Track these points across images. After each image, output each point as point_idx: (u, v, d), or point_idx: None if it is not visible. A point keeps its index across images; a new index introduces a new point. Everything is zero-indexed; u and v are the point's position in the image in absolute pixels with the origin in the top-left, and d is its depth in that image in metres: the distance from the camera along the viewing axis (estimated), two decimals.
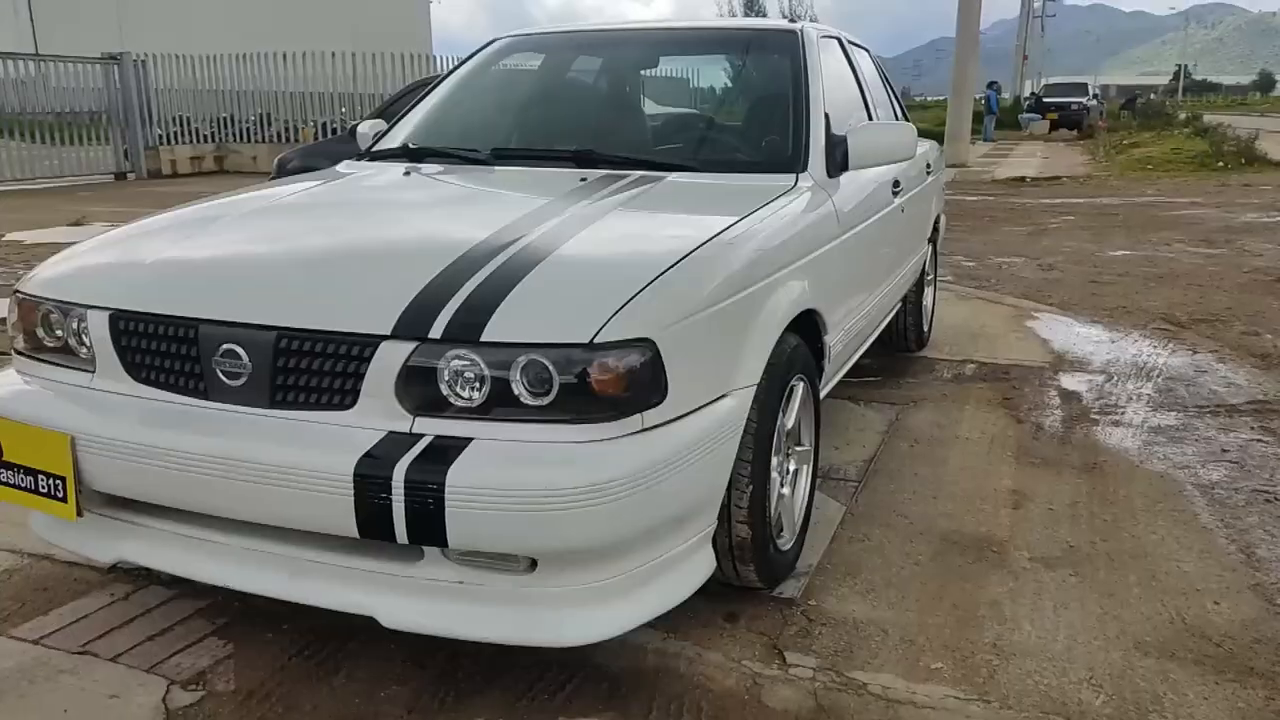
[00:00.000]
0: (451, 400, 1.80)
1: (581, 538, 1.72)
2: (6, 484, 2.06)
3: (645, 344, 1.78)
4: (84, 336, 2.11)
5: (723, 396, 2.01)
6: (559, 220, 2.23)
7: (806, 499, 2.58)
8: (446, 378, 1.79)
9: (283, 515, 1.82)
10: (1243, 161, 15.25)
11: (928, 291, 4.73)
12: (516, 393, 1.77)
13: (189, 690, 2.03)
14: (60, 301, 2.13)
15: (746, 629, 2.25)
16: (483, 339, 1.76)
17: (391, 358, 1.80)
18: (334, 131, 17.05)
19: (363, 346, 1.82)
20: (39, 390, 2.12)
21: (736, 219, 2.28)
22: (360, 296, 1.93)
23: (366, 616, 1.89)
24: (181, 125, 18.30)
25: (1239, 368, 4.43)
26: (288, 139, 18.26)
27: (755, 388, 2.10)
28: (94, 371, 2.08)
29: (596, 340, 1.74)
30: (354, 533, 1.76)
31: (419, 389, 1.80)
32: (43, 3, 27.36)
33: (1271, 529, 2.76)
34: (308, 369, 1.86)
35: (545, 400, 1.76)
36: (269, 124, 18.89)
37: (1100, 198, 12.34)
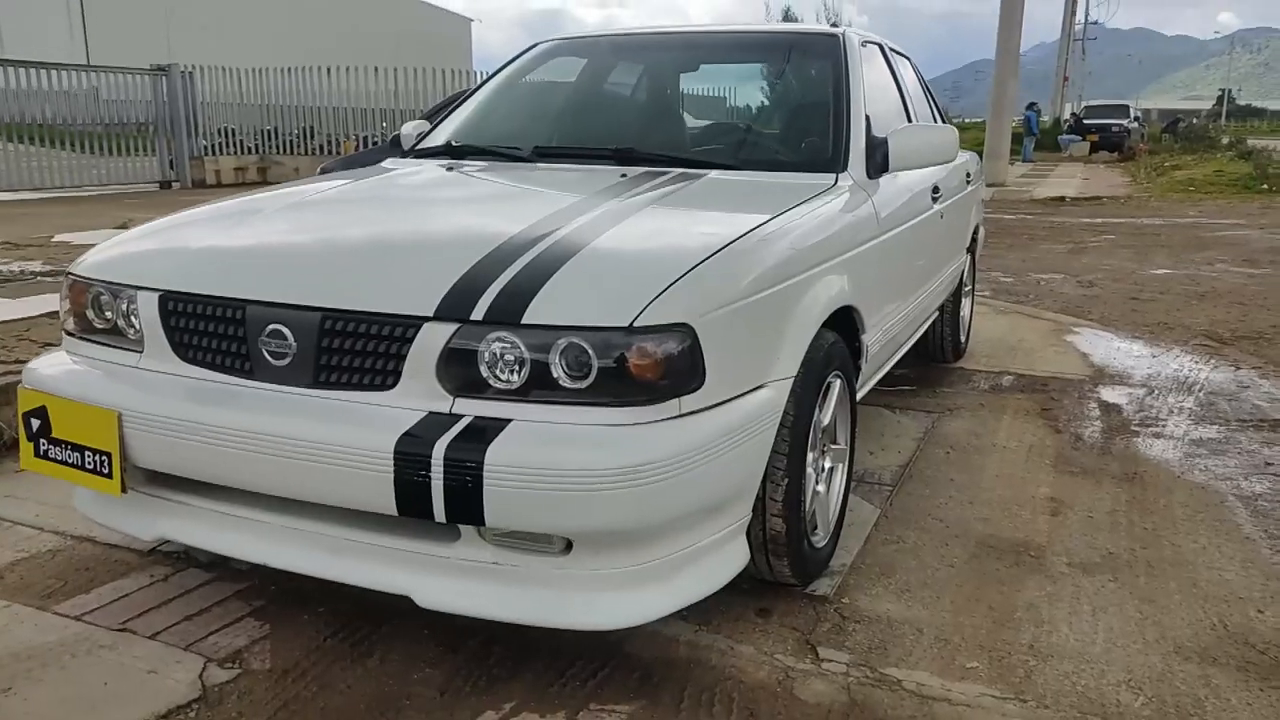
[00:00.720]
0: (491, 382, 1.82)
1: (616, 520, 1.73)
2: (54, 460, 2.11)
3: (684, 329, 1.79)
4: (133, 317, 2.15)
5: (760, 387, 2.01)
6: (598, 213, 2.25)
7: (841, 497, 2.56)
8: (487, 359, 1.81)
9: (323, 492, 1.84)
10: None
11: (965, 302, 4.70)
12: (555, 375, 1.78)
13: (225, 668, 2.06)
14: (111, 283, 2.18)
15: (779, 624, 2.24)
16: (524, 321, 1.78)
17: (433, 339, 1.83)
18: (375, 144, 17.29)
19: (405, 328, 1.84)
20: (87, 369, 2.17)
21: (775, 214, 2.28)
22: (404, 279, 1.95)
23: (402, 596, 1.91)
24: (226, 136, 18.61)
25: None
26: (330, 151, 18.52)
27: (792, 380, 2.10)
28: (142, 351, 2.13)
29: (636, 324, 1.75)
30: (393, 510, 1.78)
31: (459, 370, 1.82)
32: (95, 15, 28.02)
33: None
34: (351, 349, 1.89)
35: (583, 384, 1.78)
36: (312, 136, 19.17)
37: (1141, 218, 12.20)
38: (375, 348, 1.87)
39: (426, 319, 1.83)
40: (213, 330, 2.02)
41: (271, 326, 1.94)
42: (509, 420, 1.78)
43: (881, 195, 2.86)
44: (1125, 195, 15.48)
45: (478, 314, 1.81)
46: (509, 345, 1.79)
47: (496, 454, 1.71)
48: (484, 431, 1.76)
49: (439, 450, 1.73)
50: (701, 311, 1.82)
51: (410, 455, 1.74)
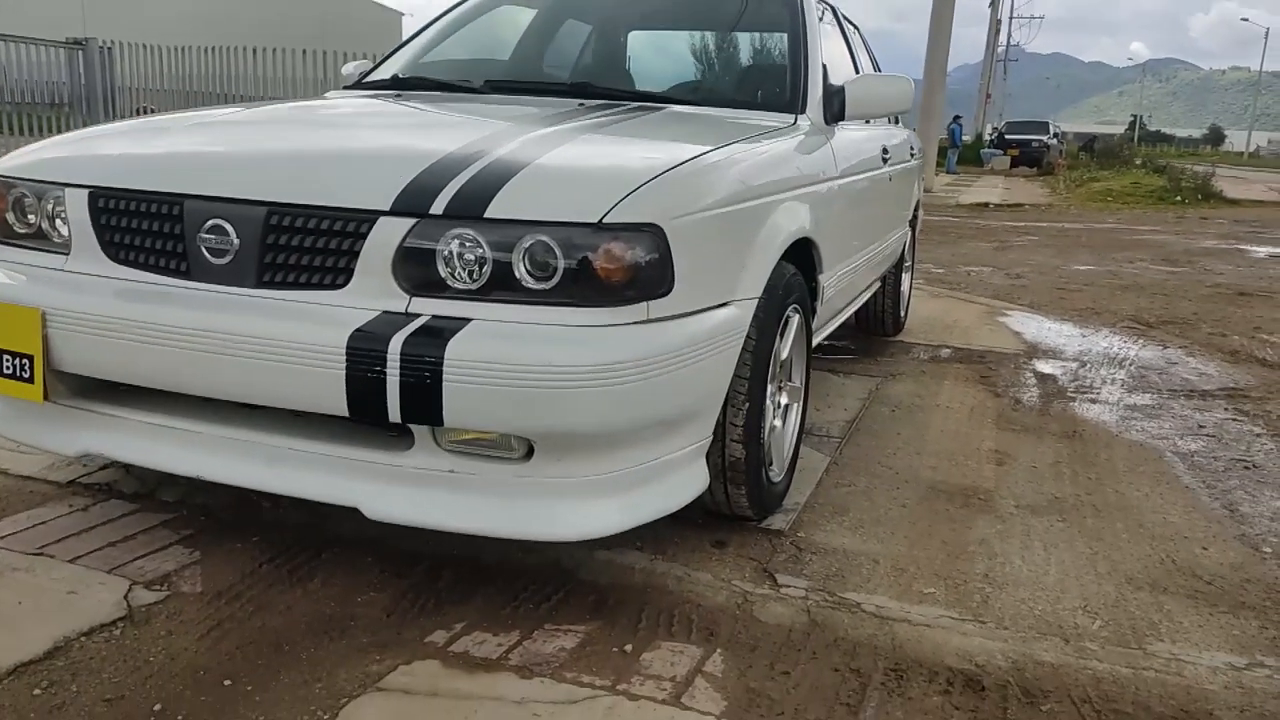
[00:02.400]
0: (449, 281, 1.73)
1: (582, 421, 1.66)
2: None
3: (654, 230, 1.73)
4: (59, 219, 2.01)
5: (725, 305, 1.96)
6: (562, 129, 2.18)
7: (795, 437, 2.53)
8: (446, 256, 1.72)
9: (268, 393, 1.74)
10: (1199, 197, 15.64)
11: (905, 277, 4.73)
12: (518, 275, 1.71)
13: (152, 590, 1.93)
14: (35, 181, 2.03)
15: (736, 555, 2.19)
16: (487, 215, 1.70)
17: (389, 235, 1.73)
18: None
19: (359, 223, 1.75)
20: (6, 271, 2.02)
21: (739, 140, 2.24)
22: (356, 175, 1.86)
23: (349, 509, 1.81)
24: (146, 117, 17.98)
25: (1209, 361, 4.48)
26: None
27: (756, 303, 2.06)
28: (69, 254, 1.99)
29: (605, 221, 1.68)
30: (343, 411, 1.69)
31: (416, 268, 1.74)
32: None
33: (1252, 491, 2.77)
34: (298, 246, 1.79)
35: (548, 284, 1.70)
36: None
37: (1062, 223, 12.55)
38: (325, 244, 1.77)
39: (382, 213, 1.74)
40: (146, 228, 1.90)
41: (212, 222, 1.83)
42: (469, 319, 1.70)
43: (838, 141, 2.84)
44: (1046, 203, 15.92)
45: (437, 208, 1.72)
46: (470, 242, 1.71)
47: (458, 349, 1.62)
48: (443, 328, 1.67)
49: (395, 345, 1.64)
50: (672, 215, 1.77)
51: (364, 351, 1.65)
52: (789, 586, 2.05)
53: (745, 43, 3.22)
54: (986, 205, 14.95)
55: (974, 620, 1.95)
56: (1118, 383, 4.00)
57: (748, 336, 2.05)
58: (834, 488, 2.63)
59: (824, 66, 2.96)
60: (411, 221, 1.73)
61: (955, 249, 9.05)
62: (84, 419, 2.00)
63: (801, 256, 2.43)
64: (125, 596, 1.89)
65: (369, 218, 1.75)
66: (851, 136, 3.07)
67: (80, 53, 17.08)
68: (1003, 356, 4.40)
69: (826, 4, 3.61)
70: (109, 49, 17.65)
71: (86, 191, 1.95)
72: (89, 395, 2.01)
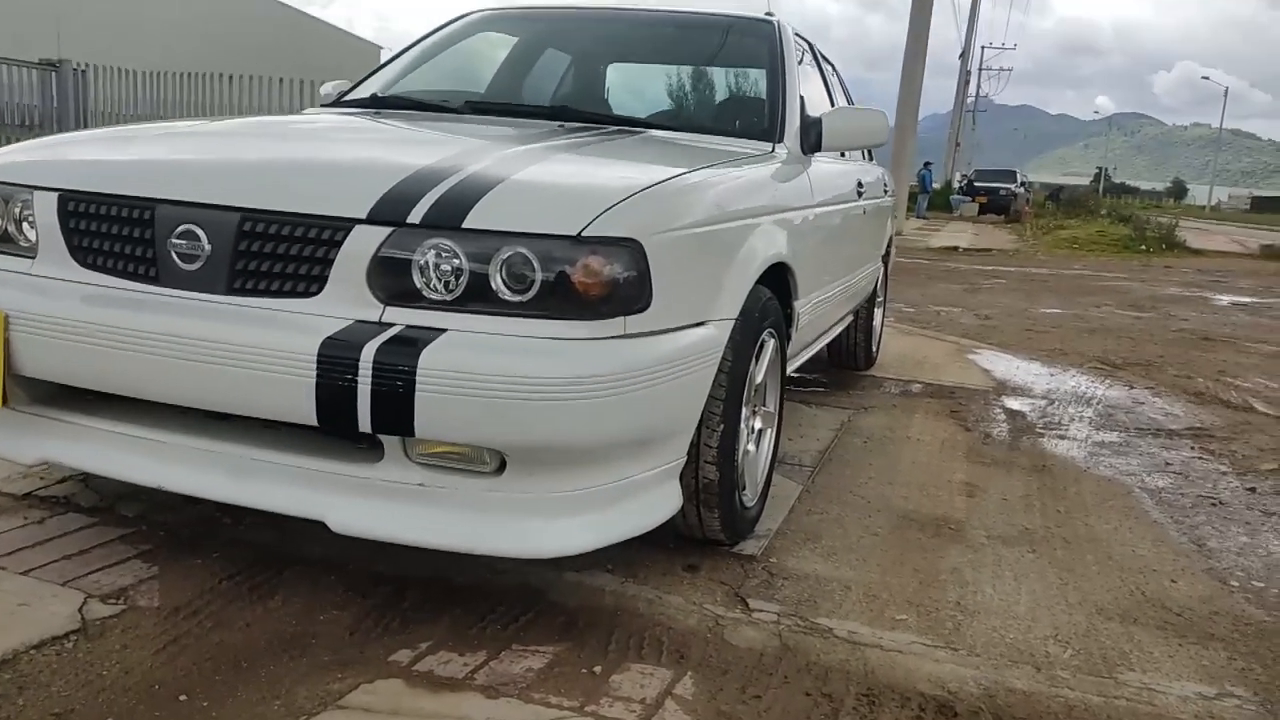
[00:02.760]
0: (424, 292, 1.71)
1: (556, 434, 1.64)
2: None
3: (633, 245, 1.72)
4: (25, 223, 1.97)
5: (702, 324, 1.95)
6: (542, 146, 2.18)
7: (769, 462, 2.52)
8: (422, 266, 1.70)
9: (235, 400, 1.70)
10: (1164, 246, 15.95)
11: (877, 312, 4.76)
12: (495, 286, 1.69)
13: (108, 604, 1.87)
14: (3, 183, 2.00)
15: (708, 579, 2.16)
16: (465, 225, 1.69)
17: (364, 243, 1.72)
18: None
19: (334, 230, 1.73)
20: None
21: (718, 164, 2.25)
22: (331, 183, 1.84)
23: (314, 522, 1.77)
24: None
25: (1175, 402, 4.53)
26: None
27: (732, 324, 2.05)
28: (34, 258, 1.95)
29: (584, 234, 1.68)
30: (312, 419, 1.65)
31: (391, 278, 1.72)
32: None
33: (1219, 526, 2.79)
34: (271, 253, 1.76)
35: (524, 296, 1.69)
36: None
37: (1029, 268, 12.73)
38: (299, 251, 1.75)
39: (358, 221, 1.72)
40: (116, 233, 1.87)
41: (183, 227, 1.80)
42: (444, 329, 1.68)
43: (814, 172, 2.86)
44: (1014, 249, 16.16)
45: (414, 217, 1.71)
46: (447, 252, 1.70)
47: (432, 358, 1.60)
48: (417, 337, 1.65)
49: (368, 353, 1.61)
50: (651, 230, 1.76)
51: (335, 359, 1.62)
52: (761, 611, 2.03)
53: (724, 73, 3.25)
54: (956, 249, 15.14)
55: (946, 647, 1.93)
56: (1085, 420, 4.03)
57: (723, 358, 2.04)
58: (806, 515, 2.62)
59: (801, 98, 2.99)
60: (387, 231, 1.71)
61: (925, 290, 9.13)
62: (43, 426, 1.95)
63: (777, 282, 2.43)
64: (79, 610, 1.83)
65: (344, 226, 1.73)
66: (828, 169, 3.10)
67: (54, 74, 16.94)
68: (973, 393, 4.43)
69: (805, 41, 3.66)
70: (83, 71, 17.52)
71: (56, 195, 1.91)
72: (49, 402, 1.96)
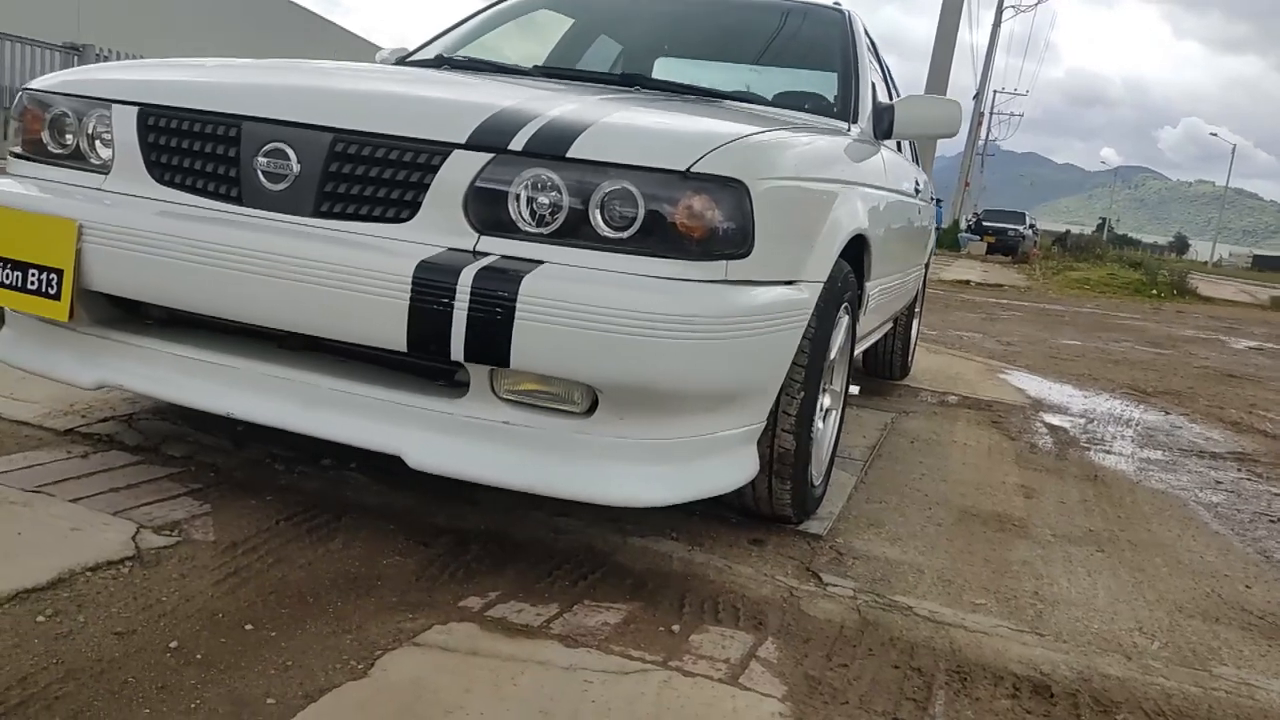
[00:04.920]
0: (519, 223, 1.65)
1: (657, 372, 1.57)
2: None
3: (739, 187, 1.66)
4: (101, 139, 1.91)
5: (793, 283, 1.89)
6: (627, 98, 2.12)
7: (834, 443, 2.45)
8: (521, 196, 1.64)
9: (320, 321, 1.63)
10: (1175, 292, 15.93)
11: (914, 322, 4.70)
12: (593, 220, 1.63)
13: (162, 534, 1.79)
14: (79, 97, 1.93)
15: (775, 553, 2.09)
16: (569, 155, 1.62)
17: (463, 169, 1.65)
18: None
19: (431, 155, 1.67)
20: (39, 186, 1.91)
21: (808, 128, 2.20)
22: (428, 107, 1.78)
23: (390, 456, 1.70)
24: None
25: (1212, 428, 4.46)
26: None
27: (820, 288, 1.99)
28: (108, 174, 1.88)
29: (693, 170, 1.61)
30: (401, 344, 1.58)
31: (488, 206, 1.65)
32: None
33: None
34: (362, 176, 1.70)
35: (624, 233, 1.63)
36: None
37: (1043, 304, 12.69)
38: (392, 175, 1.69)
39: (457, 146, 1.66)
40: (198, 150, 1.80)
41: (271, 145, 1.73)
42: (541, 261, 1.61)
43: (886, 156, 2.81)
44: (1025, 286, 16.14)
45: (516, 144, 1.65)
46: (548, 182, 1.63)
47: (533, 286, 1.53)
48: (517, 266, 1.58)
49: (466, 277, 1.55)
50: (756, 174, 1.70)
51: (431, 282, 1.55)
52: (835, 586, 1.95)
53: (798, 58, 3.20)
54: (968, 283, 15.12)
55: (1032, 632, 1.86)
56: (1127, 438, 3.96)
57: (808, 323, 1.97)
58: (866, 503, 2.54)
59: (873, 84, 2.95)
60: (487, 157, 1.65)
61: (945, 316, 9.08)
62: (105, 348, 1.88)
63: (853, 259, 2.37)
64: (133, 538, 1.75)
65: (442, 150, 1.66)
66: (895, 158, 3.05)
67: (76, 57, 16.94)
68: (1011, 407, 4.36)
69: (867, 35, 3.62)
70: (106, 56, 17.51)
71: (136, 109, 1.85)
72: (112, 323, 1.89)
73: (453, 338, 1.55)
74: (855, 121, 2.72)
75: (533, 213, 1.65)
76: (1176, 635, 1.94)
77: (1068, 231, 41.05)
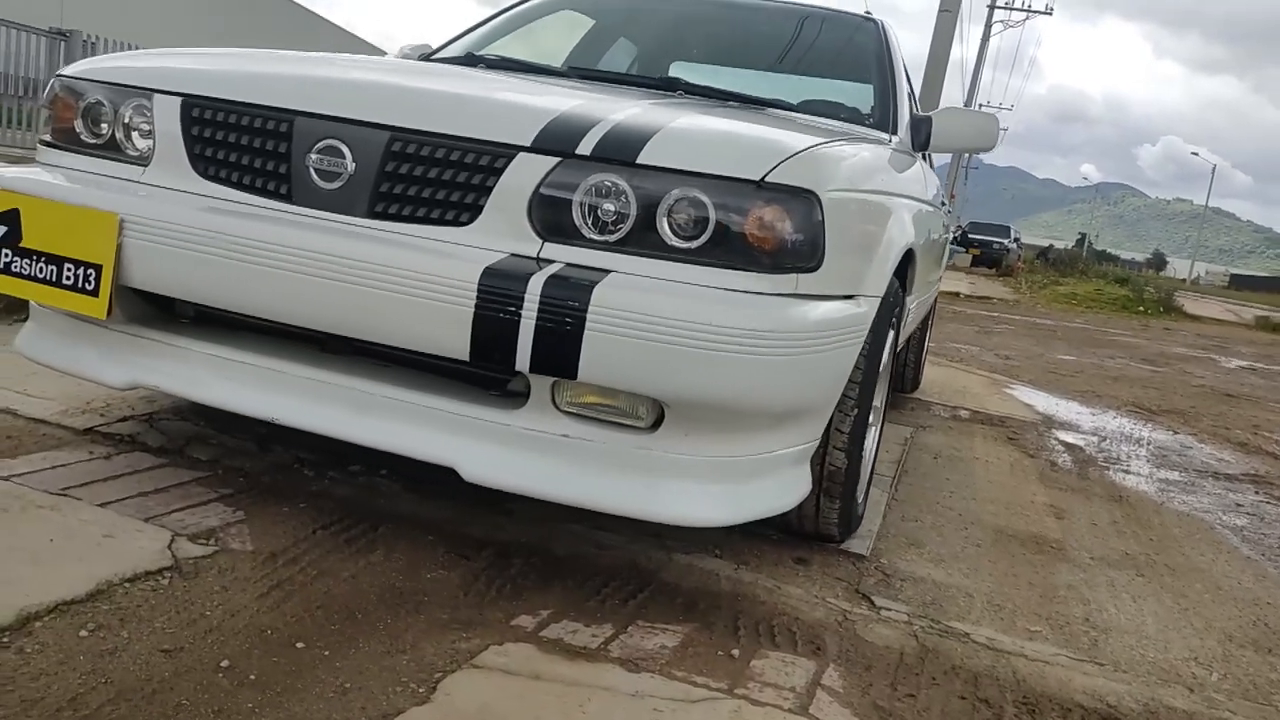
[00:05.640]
0: (584, 230, 1.59)
1: (730, 388, 1.51)
2: (19, 275, 1.76)
3: (811, 198, 1.61)
4: (138, 130, 1.84)
5: (852, 297, 1.84)
6: (678, 104, 2.06)
7: (873, 459, 2.40)
8: (587, 202, 1.58)
9: (377, 326, 1.57)
10: (1161, 309, 16.04)
11: (926, 335, 4.67)
12: (661, 229, 1.57)
13: (198, 543, 1.72)
14: (117, 86, 1.86)
15: (822, 573, 2.04)
16: (639, 161, 1.57)
17: (527, 173, 1.59)
18: None
19: (495, 157, 1.61)
20: (76, 177, 1.83)
21: (862, 139, 2.15)
22: (493, 107, 1.72)
23: (445, 468, 1.63)
24: None
25: (1221, 449, 4.46)
26: None
27: (878, 303, 1.94)
28: (147, 166, 1.81)
29: (767, 180, 1.56)
30: (463, 353, 1.52)
31: (552, 211, 1.59)
32: None
33: None
34: (421, 177, 1.64)
35: (692, 242, 1.57)
36: None
37: (1033, 318, 12.74)
38: (453, 177, 1.62)
39: (521, 148, 1.60)
40: (247, 144, 1.73)
41: (325, 143, 1.67)
42: (608, 270, 1.55)
43: (922, 166, 2.77)
44: (1014, 300, 16.20)
45: (584, 149, 1.59)
46: (615, 188, 1.58)
47: (604, 296, 1.48)
48: (586, 275, 1.52)
49: (534, 285, 1.48)
50: (827, 186, 1.65)
51: (498, 290, 1.49)
52: (889, 610, 1.90)
53: (833, 67, 3.15)
54: (957, 295, 15.15)
55: (1091, 661, 1.81)
56: (1142, 458, 3.94)
57: (864, 340, 1.92)
58: (901, 521, 2.50)
59: (909, 94, 2.91)
60: (553, 161, 1.59)
61: (939, 329, 9.07)
62: (136, 345, 1.80)
63: (898, 272, 2.32)
64: (169, 546, 1.68)
65: (506, 153, 1.60)
66: (928, 171, 3.00)
67: (63, 43, 16.64)
68: (1023, 423, 4.33)
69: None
70: (93, 43, 17.24)
71: (180, 99, 1.78)
72: (144, 321, 1.82)
73: (518, 347, 1.49)
74: (895, 133, 2.68)
75: (596, 219, 1.59)
76: (1233, 666, 1.90)
77: (1050, 246, 41.37)
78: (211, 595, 1.55)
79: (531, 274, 1.50)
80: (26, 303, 2.25)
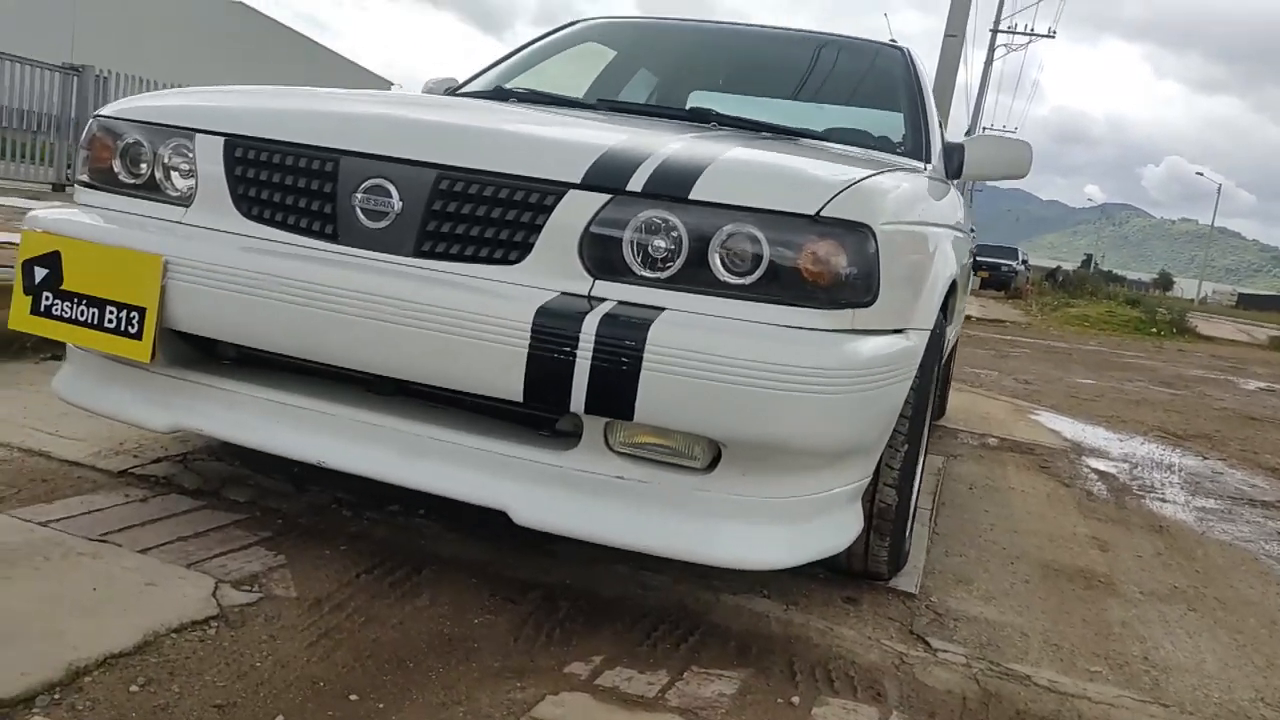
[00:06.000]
0: (634, 267, 1.56)
1: (791, 427, 1.48)
2: (60, 318, 1.73)
3: (866, 231, 1.58)
4: (177, 170, 1.82)
5: (902, 331, 1.80)
6: (720, 136, 2.04)
7: (916, 495, 2.36)
8: (637, 239, 1.56)
9: (425, 366, 1.54)
10: (1174, 331, 15.98)
11: (952, 362, 4.64)
12: (713, 265, 1.55)
13: (242, 590, 1.68)
14: (156, 125, 1.84)
15: (873, 613, 1.99)
16: (692, 197, 1.54)
17: (578, 210, 1.57)
18: None
19: (544, 195, 1.58)
20: (114, 215, 1.81)
21: (900, 169, 2.12)
22: (541, 144, 1.70)
23: (496, 511, 1.60)
24: None
25: (1253, 475, 4.40)
26: None
27: (928, 335, 1.91)
28: (189, 207, 1.79)
29: (823, 214, 1.53)
30: (516, 395, 1.49)
31: (603, 249, 1.57)
32: None
33: None
34: (469, 216, 1.61)
35: (746, 279, 1.54)
36: None
37: (1047, 341, 12.70)
38: (501, 215, 1.60)
39: (571, 186, 1.58)
40: (291, 184, 1.71)
41: (371, 182, 1.65)
42: (661, 308, 1.52)
43: (955, 194, 2.74)
44: (1025, 322, 16.16)
45: (635, 185, 1.56)
46: (665, 224, 1.55)
47: (661, 335, 1.45)
48: (641, 314, 1.49)
49: (589, 325, 1.46)
50: (880, 219, 1.62)
51: (552, 330, 1.46)
52: (946, 651, 1.85)
53: (861, 96, 3.13)
54: (969, 318, 15.11)
55: (1156, 703, 1.76)
56: (1175, 485, 3.89)
57: (914, 374, 1.89)
58: (945, 556, 2.45)
59: (940, 122, 2.89)
60: (604, 198, 1.57)
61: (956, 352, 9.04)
62: (178, 388, 1.78)
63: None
64: (213, 594, 1.65)
65: (556, 190, 1.58)
66: (960, 199, 2.98)
67: (75, 79, 16.77)
68: (1052, 450, 4.29)
69: None
70: (105, 78, 17.38)
71: (223, 139, 1.76)
72: (186, 363, 1.79)
73: (573, 388, 1.46)
74: (928, 161, 2.66)
75: (646, 256, 1.56)
76: None
77: (1059, 267, 41.33)
78: (260, 645, 1.51)
79: (586, 313, 1.47)
80: (53, 341, 2.24)
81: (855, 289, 1.57)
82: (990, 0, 39.03)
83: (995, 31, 35.00)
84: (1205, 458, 4.70)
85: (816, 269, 1.54)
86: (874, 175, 1.74)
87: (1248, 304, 68.00)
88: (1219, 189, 57.12)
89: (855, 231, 1.56)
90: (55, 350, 3.14)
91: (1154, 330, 15.78)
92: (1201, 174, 65.01)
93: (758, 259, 1.53)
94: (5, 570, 1.61)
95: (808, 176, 1.66)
